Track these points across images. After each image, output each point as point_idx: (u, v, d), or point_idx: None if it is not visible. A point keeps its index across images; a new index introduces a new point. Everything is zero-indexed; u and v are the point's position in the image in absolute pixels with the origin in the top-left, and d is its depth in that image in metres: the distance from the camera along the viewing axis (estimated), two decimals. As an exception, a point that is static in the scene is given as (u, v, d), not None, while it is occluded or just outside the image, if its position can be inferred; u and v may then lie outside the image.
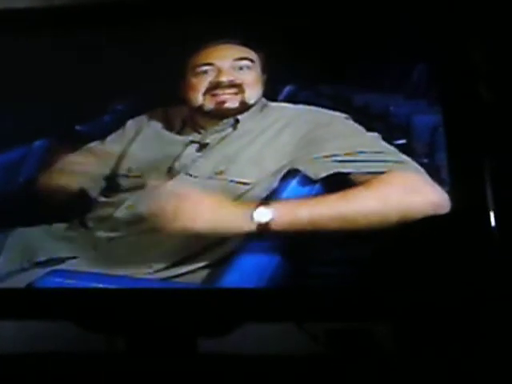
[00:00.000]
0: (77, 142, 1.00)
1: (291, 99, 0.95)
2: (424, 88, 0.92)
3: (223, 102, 0.90)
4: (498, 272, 0.81)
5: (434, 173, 0.87)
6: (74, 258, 0.92)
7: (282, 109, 0.93)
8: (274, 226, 0.82)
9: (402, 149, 0.89)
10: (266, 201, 0.84)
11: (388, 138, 0.90)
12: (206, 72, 0.91)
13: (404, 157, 0.86)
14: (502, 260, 0.82)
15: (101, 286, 0.90)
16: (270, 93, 0.95)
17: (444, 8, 0.90)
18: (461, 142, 0.88)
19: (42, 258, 0.91)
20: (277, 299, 0.86)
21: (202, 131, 0.94)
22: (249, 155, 0.89)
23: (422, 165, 0.88)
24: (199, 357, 0.90)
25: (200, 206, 0.83)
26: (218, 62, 0.90)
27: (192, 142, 0.93)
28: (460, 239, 0.83)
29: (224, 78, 0.89)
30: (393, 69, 0.94)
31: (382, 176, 0.83)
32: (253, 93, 0.91)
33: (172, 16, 0.95)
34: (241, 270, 0.86)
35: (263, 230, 0.81)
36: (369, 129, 0.91)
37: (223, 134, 0.93)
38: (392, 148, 0.88)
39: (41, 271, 0.91)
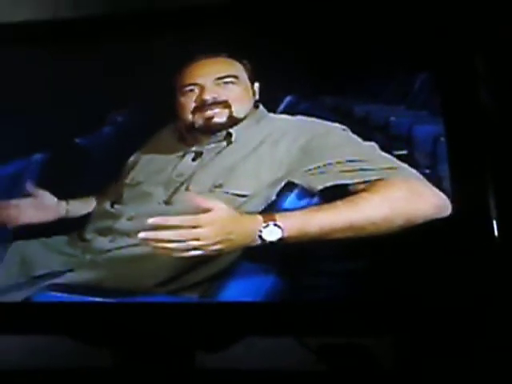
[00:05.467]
0: (77, 155, 1.00)
1: (291, 110, 0.94)
2: (425, 98, 0.91)
3: (211, 118, 0.91)
4: (502, 282, 0.80)
5: (436, 184, 0.86)
6: (72, 270, 0.91)
7: (280, 120, 0.93)
8: (283, 241, 0.81)
9: (404, 159, 0.88)
10: (272, 215, 0.82)
11: (389, 149, 0.89)
12: (192, 90, 0.92)
13: (400, 163, 0.86)
14: (506, 270, 0.80)
15: (98, 299, 0.88)
16: (270, 103, 0.95)
17: (446, 17, 0.90)
18: (463, 153, 0.87)
19: (40, 272, 0.91)
20: (275, 313, 0.85)
21: (196, 145, 0.94)
22: (246, 167, 0.89)
23: (423, 175, 0.87)
24: (197, 372, 0.89)
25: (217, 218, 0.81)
26: (201, 81, 0.91)
27: (185, 154, 0.94)
28: (463, 250, 0.82)
29: (207, 96, 0.91)
30: (394, 79, 0.93)
31: (383, 181, 0.83)
32: (240, 107, 0.92)
33: (167, 28, 0.97)
34: (238, 284, 0.85)
35: (273, 247, 0.81)
36: (369, 139, 0.90)
37: (219, 147, 0.93)
38: (389, 156, 0.87)
39: (38, 285, 0.90)
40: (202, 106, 0.91)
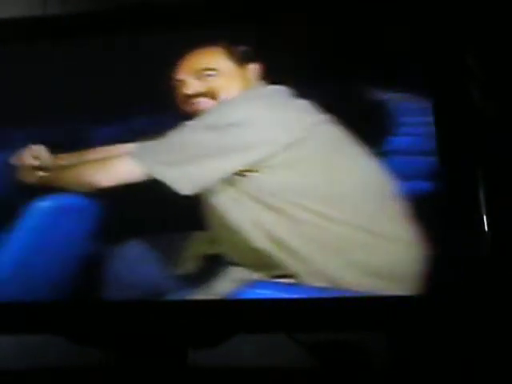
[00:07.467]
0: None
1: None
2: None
3: (199, 108, 0.95)
4: (493, 272, 0.79)
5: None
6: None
7: None
8: None
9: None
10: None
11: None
12: (179, 86, 0.96)
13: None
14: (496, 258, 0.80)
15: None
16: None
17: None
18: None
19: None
20: (267, 309, 0.84)
21: None
22: None
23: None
24: (189, 370, 0.87)
25: None
26: (183, 76, 0.96)
27: None
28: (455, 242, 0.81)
29: (189, 91, 0.95)
30: (408, 68, 0.90)
31: None
32: (227, 93, 0.94)
33: (156, 23, 0.99)
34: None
35: None
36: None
37: None
38: None
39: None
40: (186, 99, 0.95)
